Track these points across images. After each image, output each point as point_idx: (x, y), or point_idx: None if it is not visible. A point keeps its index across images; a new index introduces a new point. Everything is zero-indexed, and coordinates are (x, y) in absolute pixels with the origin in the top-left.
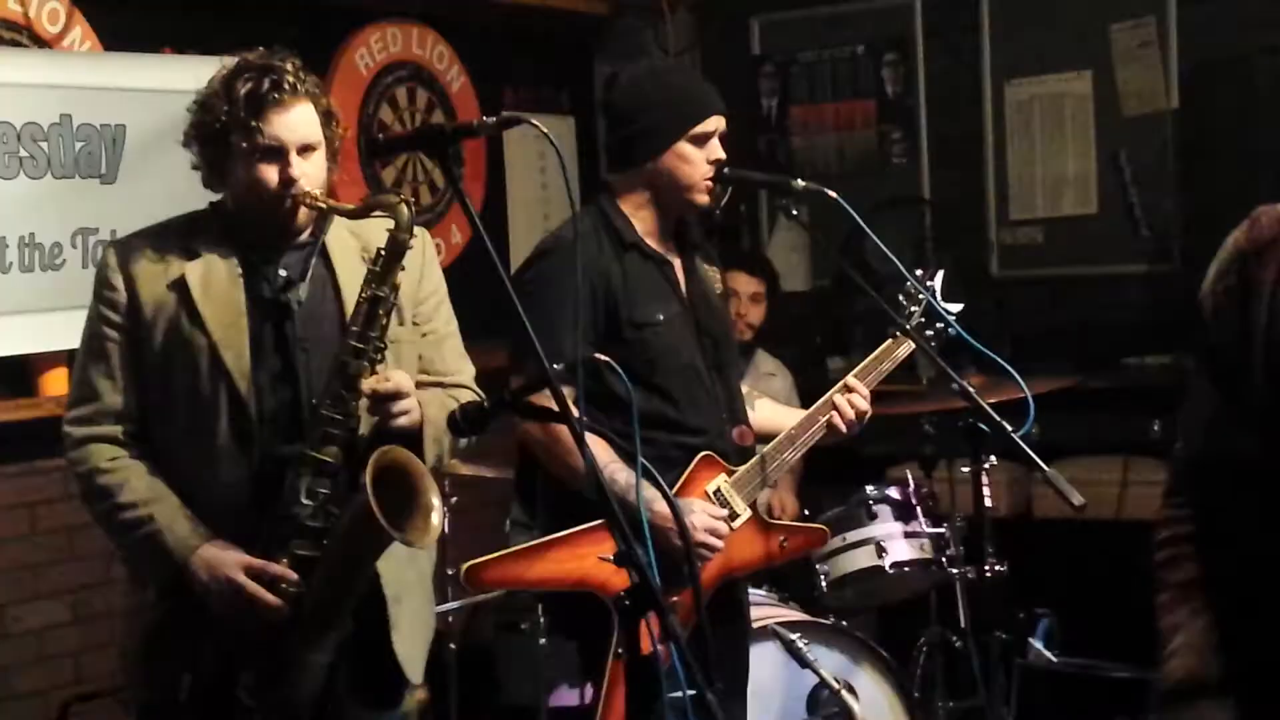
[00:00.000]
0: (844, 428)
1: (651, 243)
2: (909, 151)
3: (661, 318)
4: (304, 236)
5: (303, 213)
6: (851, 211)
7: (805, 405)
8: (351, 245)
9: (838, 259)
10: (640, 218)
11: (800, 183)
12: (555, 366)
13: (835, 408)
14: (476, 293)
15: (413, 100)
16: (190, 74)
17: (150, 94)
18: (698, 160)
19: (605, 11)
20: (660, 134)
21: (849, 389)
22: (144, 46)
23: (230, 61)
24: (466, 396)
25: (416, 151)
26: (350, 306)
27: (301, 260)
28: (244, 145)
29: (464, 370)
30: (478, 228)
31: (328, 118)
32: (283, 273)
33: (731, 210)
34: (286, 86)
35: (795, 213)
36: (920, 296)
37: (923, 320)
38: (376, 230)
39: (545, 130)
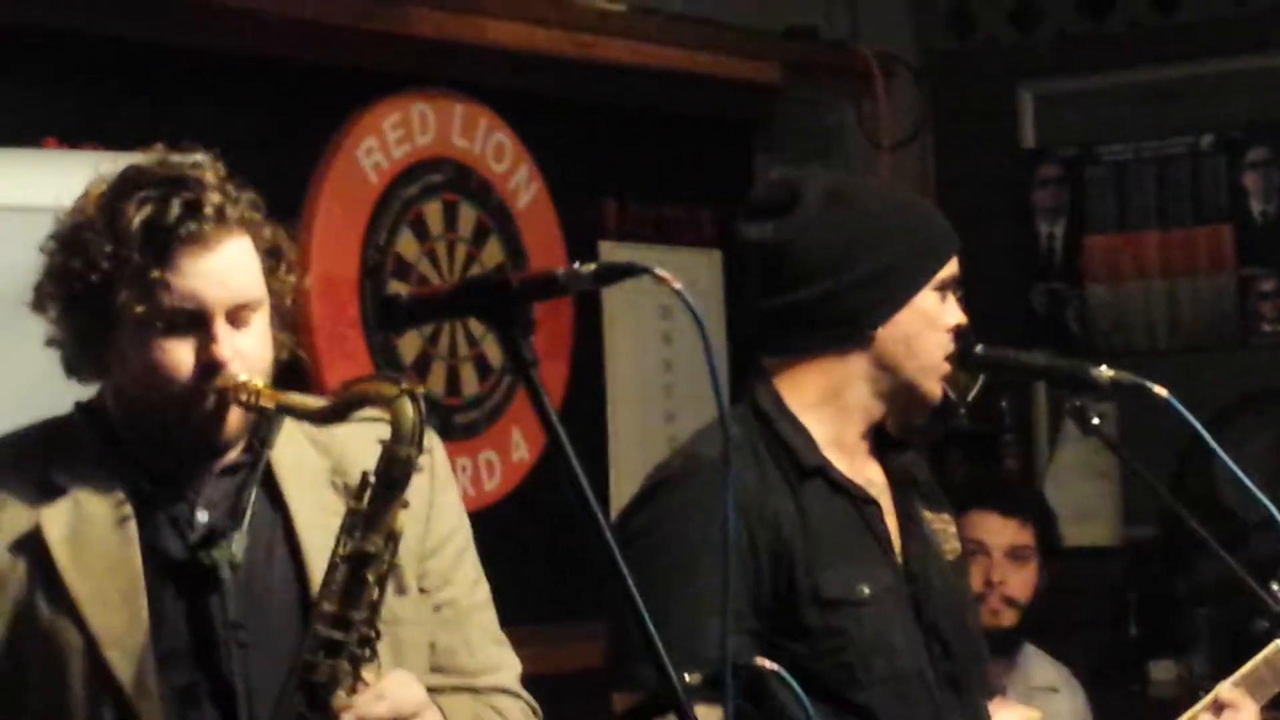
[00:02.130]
0: None
1: (842, 466)
2: None
3: (868, 592)
4: (235, 454)
5: (234, 416)
6: (1191, 419)
7: None
8: (316, 467)
9: (1167, 497)
10: (824, 422)
11: (1106, 371)
12: (688, 677)
13: None
14: (549, 546)
15: (453, 224)
16: (77, 182)
17: (11, 214)
18: (942, 322)
19: (776, 80)
20: (897, 284)
21: (1222, 705)
22: (6, 137)
23: (111, 168)
24: (515, 714)
25: (459, 317)
26: (317, 570)
27: (232, 494)
28: (139, 310)
29: (502, 665)
30: (558, 437)
31: (275, 259)
32: (202, 515)
33: (984, 413)
34: (209, 211)
35: (1095, 420)
36: None
37: None
38: (359, 442)
39: (677, 285)
